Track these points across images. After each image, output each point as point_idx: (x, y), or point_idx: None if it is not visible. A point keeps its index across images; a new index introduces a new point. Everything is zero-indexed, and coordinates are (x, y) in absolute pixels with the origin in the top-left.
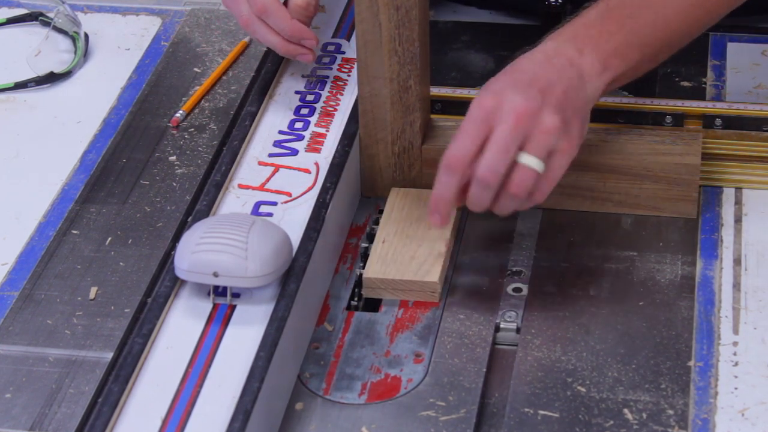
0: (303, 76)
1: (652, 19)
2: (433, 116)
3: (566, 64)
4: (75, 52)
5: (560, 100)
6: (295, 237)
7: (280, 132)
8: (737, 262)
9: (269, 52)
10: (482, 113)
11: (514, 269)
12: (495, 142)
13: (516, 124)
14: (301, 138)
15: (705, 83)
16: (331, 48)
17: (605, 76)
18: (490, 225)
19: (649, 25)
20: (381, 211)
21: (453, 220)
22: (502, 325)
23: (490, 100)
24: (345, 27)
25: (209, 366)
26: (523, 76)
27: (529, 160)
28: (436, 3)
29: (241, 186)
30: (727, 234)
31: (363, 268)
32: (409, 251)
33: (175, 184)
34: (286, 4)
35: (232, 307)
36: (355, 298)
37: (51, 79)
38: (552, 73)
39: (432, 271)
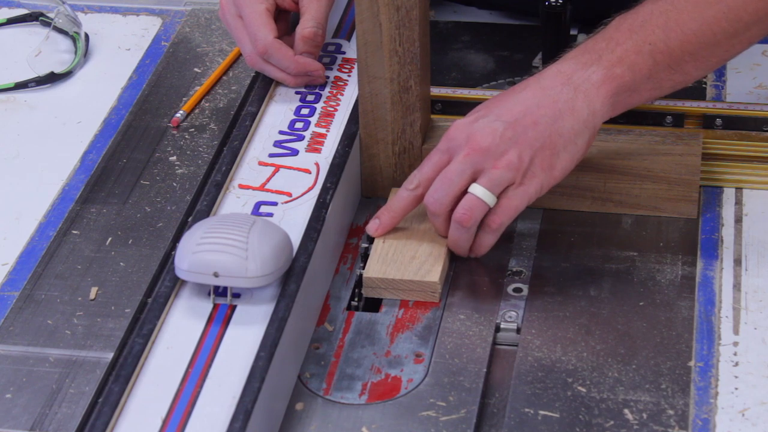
0: None
1: (664, 23)
2: (433, 116)
3: (558, 83)
4: (75, 53)
5: (528, 135)
6: (296, 237)
7: (281, 132)
8: (737, 262)
9: None
10: (445, 143)
11: (514, 269)
12: (444, 171)
13: (466, 157)
14: (301, 138)
15: (705, 83)
16: (331, 48)
17: (606, 86)
18: None
19: (661, 30)
20: None
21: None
22: (502, 325)
23: (455, 131)
24: (345, 27)
25: (209, 366)
26: (498, 107)
27: (476, 190)
28: (436, 3)
29: (241, 186)
30: (727, 234)
31: (363, 268)
32: (409, 251)
33: (175, 184)
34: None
35: (233, 308)
36: (356, 299)
37: (51, 79)
38: (531, 101)
39: (432, 271)
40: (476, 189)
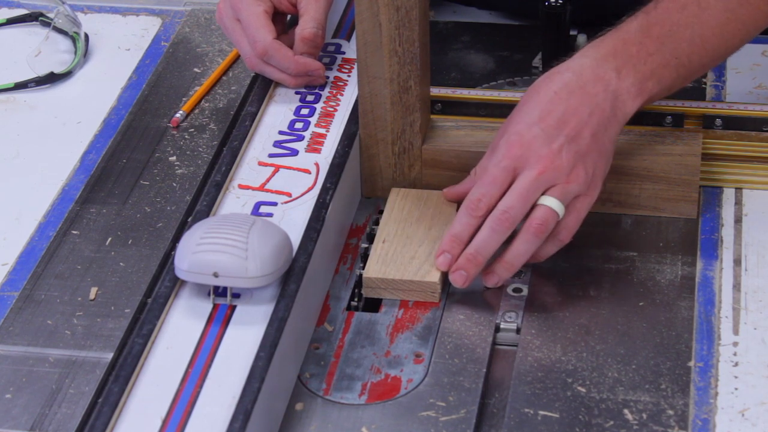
0: None
1: (690, 37)
2: (433, 116)
3: (601, 90)
4: (75, 53)
5: (588, 146)
6: (295, 237)
7: (280, 132)
8: (737, 262)
9: None
10: (509, 161)
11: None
12: (517, 188)
13: (539, 175)
14: (301, 138)
15: (705, 83)
16: (331, 48)
17: (639, 99)
18: None
19: (687, 44)
20: (381, 212)
21: (453, 218)
22: (502, 326)
23: (517, 148)
24: (345, 27)
25: (209, 366)
26: (552, 116)
27: (551, 202)
28: (436, 3)
29: (241, 186)
30: (727, 234)
31: (363, 269)
32: (409, 251)
33: (175, 184)
34: (294, 28)
35: (233, 308)
36: (356, 299)
37: (51, 79)
38: (583, 109)
39: (432, 271)
40: (551, 201)
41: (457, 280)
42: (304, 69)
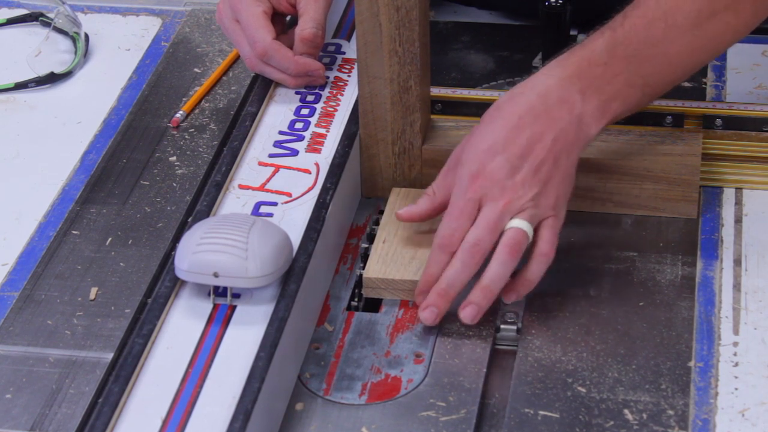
0: None
1: (656, 55)
2: (433, 116)
3: (566, 114)
4: (75, 53)
5: (550, 173)
6: (296, 237)
7: (281, 132)
8: (737, 262)
9: None
10: (473, 194)
11: (514, 269)
12: (484, 220)
13: (505, 206)
14: (301, 138)
15: (705, 84)
16: (331, 48)
17: (603, 121)
18: None
19: (653, 64)
20: (381, 212)
21: None
22: (502, 326)
23: (481, 179)
24: (345, 27)
25: (209, 366)
26: (516, 145)
27: (519, 223)
28: (436, 4)
29: (241, 186)
30: (727, 234)
31: (363, 269)
32: (409, 252)
33: (175, 184)
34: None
35: (233, 308)
36: (356, 299)
37: (51, 79)
38: (548, 136)
39: None
40: (519, 222)
41: (428, 318)
42: (304, 69)
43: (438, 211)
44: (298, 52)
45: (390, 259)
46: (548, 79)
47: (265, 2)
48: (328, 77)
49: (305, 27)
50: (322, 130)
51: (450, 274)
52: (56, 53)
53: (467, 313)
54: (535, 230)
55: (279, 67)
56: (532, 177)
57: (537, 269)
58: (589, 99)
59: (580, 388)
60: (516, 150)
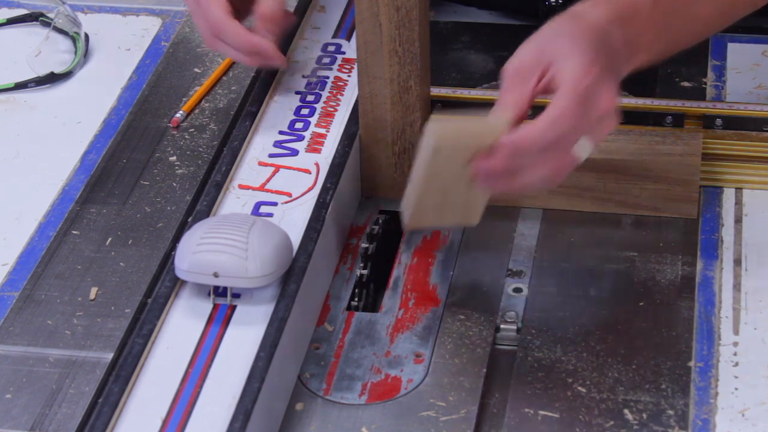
0: (303, 77)
1: (689, 19)
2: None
3: (618, 47)
4: (75, 53)
5: (612, 82)
6: (296, 237)
7: (281, 132)
8: (737, 262)
9: None
10: (584, 98)
11: (514, 269)
12: (561, 123)
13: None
14: (301, 138)
15: (705, 83)
16: (331, 48)
17: (628, 68)
18: (490, 225)
19: (684, 23)
20: (381, 212)
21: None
22: (502, 325)
23: (594, 72)
24: (345, 27)
25: (209, 366)
26: (605, 60)
27: (585, 148)
28: (436, 4)
29: (241, 186)
30: (727, 234)
31: (363, 269)
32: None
33: (175, 184)
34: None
35: (233, 308)
36: (356, 299)
37: (51, 79)
38: (613, 58)
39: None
40: (583, 148)
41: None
42: (254, 48)
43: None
44: (257, 29)
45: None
46: (595, 8)
47: None
48: (327, 77)
49: (263, 3)
50: (322, 130)
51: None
52: (56, 53)
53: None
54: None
55: (231, 44)
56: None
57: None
58: (626, 45)
59: (580, 388)
60: (606, 61)
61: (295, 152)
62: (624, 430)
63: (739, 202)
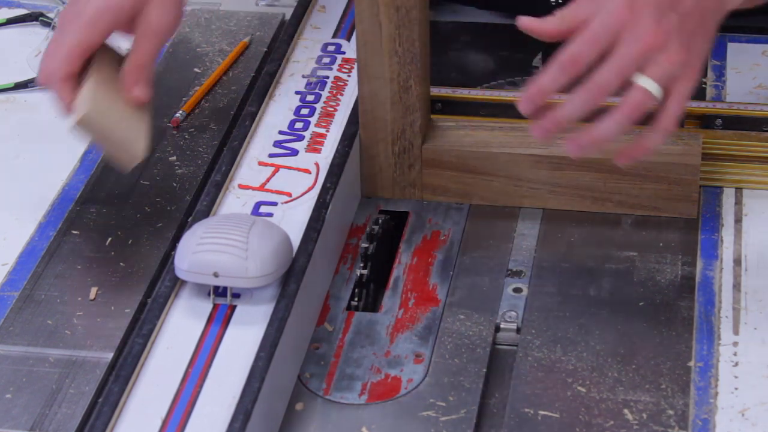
0: (303, 77)
1: None
2: (433, 116)
3: None
4: None
5: (696, 27)
6: (296, 237)
7: (280, 132)
8: (737, 262)
9: (269, 53)
10: (614, 24)
11: (514, 269)
12: (617, 62)
13: (641, 51)
14: (301, 138)
15: (705, 83)
16: (331, 48)
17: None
18: (490, 225)
19: None
20: (381, 212)
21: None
22: (502, 325)
23: (625, 12)
24: (345, 27)
25: (209, 366)
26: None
27: (648, 84)
28: (436, 3)
29: (241, 186)
30: (727, 234)
31: (363, 269)
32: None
33: (175, 184)
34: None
35: (233, 308)
36: (356, 298)
37: None
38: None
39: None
40: (648, 83)
41: (538, 134)
42: (46, 81)
43: (563, 36)
44: (126, 76)
45: (111, 109)
46: None
47: (101, 25)
48: (327, 77)
49: (135, 53)
50: (322, 130)
51: (568, 108)
52: None
53: (571, 147)
54: (666, 93)
55: (52, 90)
56: (678, 29)
57: (654, 138)
58: None
59: (580, 388)
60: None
61: (295, 152)
62: (624, 430)
63: (739, 202)
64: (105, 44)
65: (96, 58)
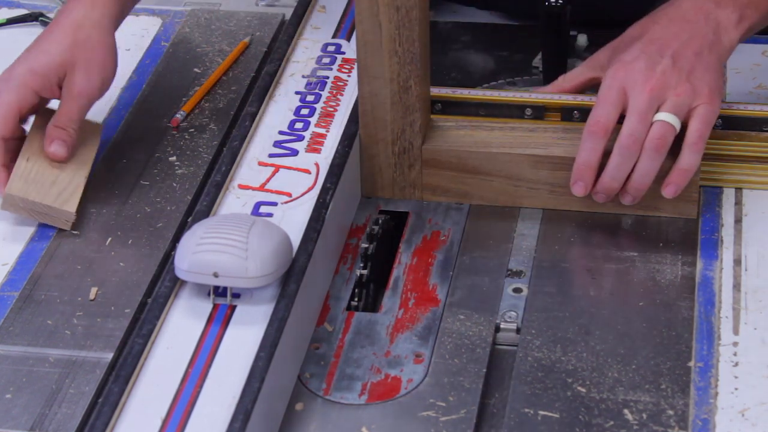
0: (303, 77)
1: None
2: (433, 116)
3: (702, 19)
4: None
5: (692, 63)
6: (295, 237)
7: (280, 132)
8: (737, 262)
9: (269, 53)
10: (618, 83)
11: (514, 269)
12: (634, 110)
13: (651, 93)
14: (301, 138)
15: None
16: (331, 48)
17: (741, 26)
18: (490, 225)
19: None
20: (381, 212)
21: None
22: (502, 325)
23: (623, 71)
24: (345, 27)
25: (209, 366)
26: (653, 43)
27: (665, 116)
28: (436, 4)
29: (241, 186)
30: (727, 234)
31: (363, 269)
32: (51, 176)
33: (175, 184)
34: None
35: (232, 308)
36: (356, 299)
37: None
38: (683, 35)
39: (71, 201)
40: (665, 116)
41: (598, 200)
42: None
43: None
44: (49, 135)
45: (32, 180)
46: (682, 1)
47: (29, 89)
48: (327, 77)
49: (60, 114)
50: (322, 130)
51: (612, 168)
52: None
53: (625, 199)
54: (686, 120)
55: None
56: (672, 68)
57: (690, 159)
58: (724, 6)
59: (580, 388)
60: (653, 47)
61: (295, 152)
62: (624, 430)
63: (739, 202)
64: (47, 108)
65: (37, 120)
